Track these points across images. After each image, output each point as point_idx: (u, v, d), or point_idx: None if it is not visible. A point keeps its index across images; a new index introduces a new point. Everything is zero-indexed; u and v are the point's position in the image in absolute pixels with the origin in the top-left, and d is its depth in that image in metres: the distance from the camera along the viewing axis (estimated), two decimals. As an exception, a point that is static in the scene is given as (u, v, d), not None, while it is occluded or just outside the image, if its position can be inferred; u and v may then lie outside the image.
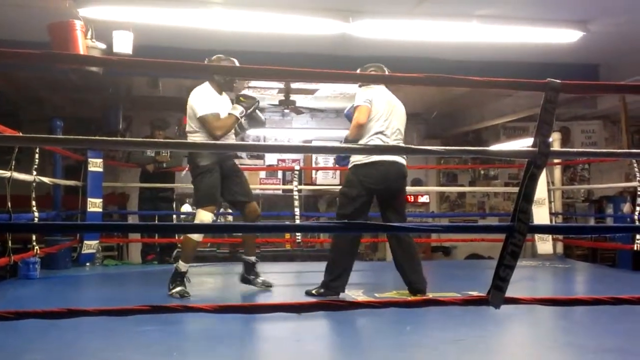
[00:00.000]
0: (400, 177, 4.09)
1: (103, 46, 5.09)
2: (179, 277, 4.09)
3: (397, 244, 4.04)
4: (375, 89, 4.10)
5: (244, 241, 4.57)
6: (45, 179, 5.20)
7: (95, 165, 6.02)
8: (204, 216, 4.11)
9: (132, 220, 7.76)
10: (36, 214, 4.83)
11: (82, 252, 5.85)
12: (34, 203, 4.81)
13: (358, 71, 4.16)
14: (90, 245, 5.90)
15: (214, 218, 4.36)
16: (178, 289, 4.03)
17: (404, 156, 4.14)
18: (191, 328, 3.04)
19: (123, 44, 5.05)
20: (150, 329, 2.86)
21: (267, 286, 4.37)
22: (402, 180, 4.13)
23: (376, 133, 3.96)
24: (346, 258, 4.03)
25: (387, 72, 4.06)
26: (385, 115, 4.01)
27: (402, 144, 4.18)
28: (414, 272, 3.98)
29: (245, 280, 4.39)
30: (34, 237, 4.95)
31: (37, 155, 4.88)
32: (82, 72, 5.32)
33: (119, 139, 5.46)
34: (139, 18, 5.06)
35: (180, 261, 4.13)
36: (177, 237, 6.89)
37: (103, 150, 6.29)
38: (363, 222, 3.20)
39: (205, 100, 4.13)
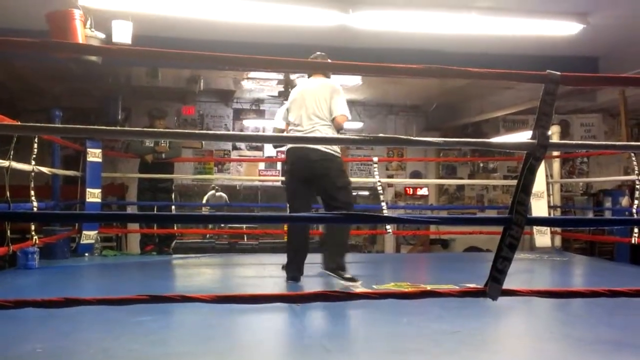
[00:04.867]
0: (307, 160, 4.10)
1: (102, 36, 5.07)
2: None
3: (324, 228, 4.34)
4: (298, 84, 4.44)
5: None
6: (44, 169, 5.19)
7: (94, 155, 6.01)
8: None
9: (131, 211, 7.77)
10: (35, 203, 4.83)
11: (81, 242, 5.84)
12: (32, 193, 4.81)
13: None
14: (89, 236, 5.91)
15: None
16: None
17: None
18: (189, 318, 3.04)
19: (122, 34, 5.03)
20: (148, 319, 2.86)
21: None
22: (313, 164, 4.09)
23: (291, 127, 4.31)
24: (294, 243, 4.25)
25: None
26: (296, 107, 4.28)
27: (321, 125, 4.14)
28: (329, 256, 4.09)
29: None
30: (32, 227, 4.95)
31: (35, 145, 4.86)
32: (82, 61, 5.30)
33: (118, 128, 5.44)
34: (138, 8, 5.04)
35: None
36: (175, 228, 6.91)
37: (102, 140, 6.28)
38: (361, 213, 3.18)
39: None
